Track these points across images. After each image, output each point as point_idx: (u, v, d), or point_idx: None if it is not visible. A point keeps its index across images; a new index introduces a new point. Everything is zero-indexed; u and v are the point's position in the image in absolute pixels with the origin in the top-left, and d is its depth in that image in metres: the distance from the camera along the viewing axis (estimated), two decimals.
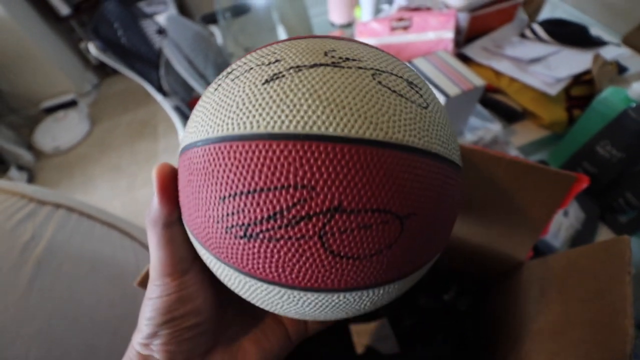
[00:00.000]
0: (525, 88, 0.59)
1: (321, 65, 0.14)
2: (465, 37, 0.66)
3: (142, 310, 0.18)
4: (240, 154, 0.13)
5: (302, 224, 0.13)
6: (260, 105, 0.14)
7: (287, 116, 0.13)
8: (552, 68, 0.58)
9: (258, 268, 0.14)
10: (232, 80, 0.15)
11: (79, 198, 1.57)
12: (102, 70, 2.31)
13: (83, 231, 0.42)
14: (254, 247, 0.14)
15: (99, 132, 2.00)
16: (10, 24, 1.73)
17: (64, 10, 1.93)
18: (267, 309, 0.17)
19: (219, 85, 0.16)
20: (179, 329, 0.18)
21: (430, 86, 0.48)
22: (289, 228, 0.13)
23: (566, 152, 0.54)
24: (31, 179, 1.81)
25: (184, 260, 0.18)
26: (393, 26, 0.62)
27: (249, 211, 0.13)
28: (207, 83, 1.07)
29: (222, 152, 0.14)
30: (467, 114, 0.51)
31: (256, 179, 0.13)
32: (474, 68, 0.64)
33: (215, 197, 0.14)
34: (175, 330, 0.18)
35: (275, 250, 0.13)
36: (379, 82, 0.14)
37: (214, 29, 1.23)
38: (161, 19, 1.03)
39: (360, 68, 0.15)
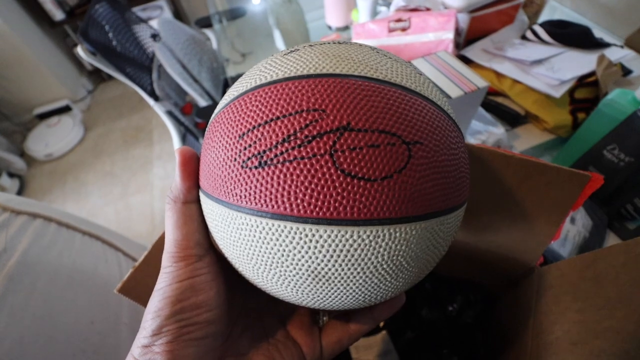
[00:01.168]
0: (528, 90, 0.57)
1: (329, 43, 0.18)
2: (465, 39, 0.65)
3: (148, 306, 0.16)
4: (261, 96, 0.15)
5: (314, 142, 0.14)
6: (280, 63, 0.16)
7: (301, 65, 0.16)
8: (555, 70, 0.56)
9: (270, 200, 0.14)
10: (253, 67, 0.18)
11: (70, 205, 1.53)
12: (97, 76, 2.29)
13: (62, 242, 0.39)
14: (267, 174, 0.14)
15: (93, 138, 1.97)
16: (2, 28, 1.71)
17: (58, 15, 1.92)
18: (276, 284, 0.16)
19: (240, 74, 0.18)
20: (188, 324, 0.16)
21: None
22: (301, 148, 0.14)
23: (571, 156, 0.52)
24: (22, 187, 1.77)
25: (200, 245, 0.18)
26: (391, 27, 0.60)
27: (265, 138, 0.14)
28: (202, 88, 1.05)
29: (244, 101, 0.16)
30: (470, 116, 0.49)
31: (273, 110, 0.15)
32: (474, 70, 0.62)
33: (235, 136, 0.15)
34: (184, 325, 0.16)
35: (288, 174, 0.14)
36: (378, 52, 0.17)
37: (209, 33, 1.21)
38: (155, 23, 1.02)
39: (361, 45, 0.18)
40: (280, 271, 0.15)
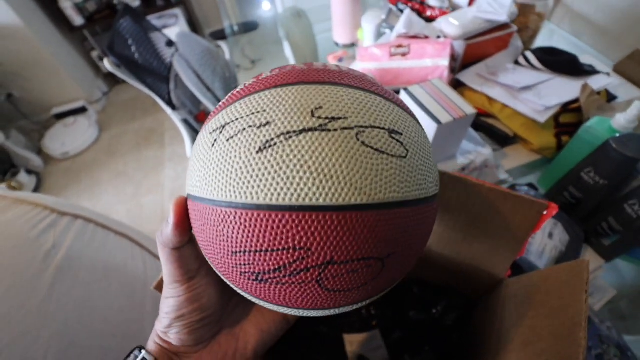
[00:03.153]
0: (516, 114, 0.62)
1: (309, 130, 0.16)
2: (461, 63, 0.70)
3: (161, 306, 0.23)
4: (245, 220, 0.16)
5: (302, 274, 0.16)
6: (257, 176, 0.16)
7: (282, 189, 0.16)
8: (542, 96, 0.61)
9: (270, 298, 0.18)
10: (227, 140, 0.17)
11: (85, 203, 1.61)
12: (112, 79, 2.38)
13: (98, 240, 0.45)
14: (264, 287, 0.17)
15: (107, 139, 2.05)
16: (25, 32, 1.79)
17: (78, 20, 2.01)
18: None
19: (215, 141, 0.18)
20: (188, 322, 0.22)
21: (421, 113, 0.51)
22: (291, 276, 0.16)
23: (554, 176, 0.57)
24: (39, 183, 1.85)
25: (191, 270, 0.22)
26: (392, 52, 0.66)
27: (257, 264, 0.16)
28: (214, 97, 1.11)
29: (229, 216, 0.16)
30: (459, 139, 0.54)
31: (261, 241, 0.16)
32: (468, 93, 0.67)
33: (228, 251, 0.17)
34: (185, 323, 0.22)
35: (282, 290, 0.17)
36: (362, 143, 0.16)
37: (222, 44, 1.28)
38: (172, 33, 1.08)
39: (345, 129, 0.16)
40: (276, 310, 0.20)
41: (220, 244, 0.17)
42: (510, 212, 0.32)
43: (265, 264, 0.16)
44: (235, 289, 0.19)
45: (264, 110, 0.17)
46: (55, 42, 2.01)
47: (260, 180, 0.16)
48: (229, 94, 0.21)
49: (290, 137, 0.16)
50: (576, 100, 0.62)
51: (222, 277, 0.20)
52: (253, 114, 0.17)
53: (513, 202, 0.31)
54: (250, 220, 0.16)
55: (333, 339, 0.46)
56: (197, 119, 1.06)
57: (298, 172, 0.16)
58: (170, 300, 0.22)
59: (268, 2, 1.37)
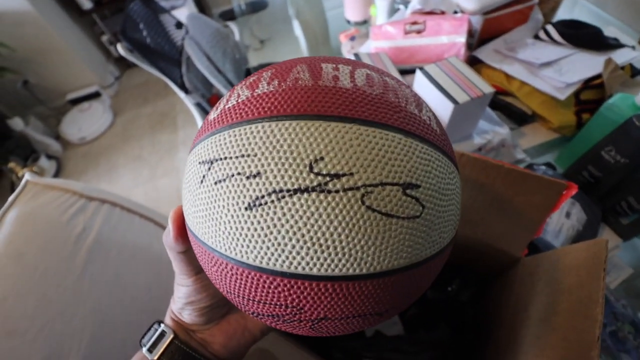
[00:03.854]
0: (535, 91, 0.60)
1: (305, 191, 0.14)
2: (478, 40, 0.68)
3: (174, 290, 0.25)
4: (237, 273, 0.15)
5: (296, 322, 0.16)
6: (246, 236, 0.14)
7: (272, 254, 0.14)
8: (563, 72, 0.59)
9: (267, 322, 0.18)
10: (215, 184, 0.15)
11: (104, 186, 1.66)
12: (123, 63, 2.38)
13: (124, 223, 0.47)
14: (261, 319, 0.18)
15: (122, 123, 2.08)
16: (36, 18, 1.80)
17: (87, 4, 2.00)
18: None
19: (204, 177, 0.16)
20: (198, 308, 0.24)
21: (438, 93, 0.50)
22: (287, 323, 0.17)
23: (573, 155, 0.56)
24: (59, 168, 1.91)
25: (197, 267, 0.23)
26: (407, 30, 0.64)
27: (251, 307, 0.17)
28: (225, 79, 1.11)
29: (221, 265, 0.16)
30: (476, 118, 0.53)
31: (253, 294, 0.16)
32: (485, 71, 0.66)
33: (224, 290, 0.18)
34: (195, 308, 0.24)
35: (277, 325, 0.18)
36: (368, 207, 0.14)
37: (232, 25, 1.26)
38: (180, 14, 1.07)
39: (349, 190, 0.14)
40: None
41: (214, 280, 0.18)
42: (529, 192, 0.32)
43: (259, 309, 0.16)
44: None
45: (255, 155, 0.15)
46: (66, 27, 2.01)
47: (250, 241, 0.14)
48: (222, 101, 0.18)
49: (283, 197, 0.14)
50: (599, 76, 0.60)
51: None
52: (243, 156, 0.15)
53: (532, 182, 0.31)
54: (242, 275, 0.15)
55: None
56: (209, 102, 1.07)
57: (290, 239, 0.14)
58: (182, 289, 0.24)
59: None
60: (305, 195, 0.14)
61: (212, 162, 0.16)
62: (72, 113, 2.08)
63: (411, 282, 0.16)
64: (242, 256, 0.15)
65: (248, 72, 1.27)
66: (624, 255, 0.54)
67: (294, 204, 0.14)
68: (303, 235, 0.14)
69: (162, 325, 0.24)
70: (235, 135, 0.15)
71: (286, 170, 0.14)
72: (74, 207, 0.42)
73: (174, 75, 0.96)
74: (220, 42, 1.12)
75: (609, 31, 0.67)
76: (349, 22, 0.98)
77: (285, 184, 0.14)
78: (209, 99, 1.08)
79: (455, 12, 0.67)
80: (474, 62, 0.68)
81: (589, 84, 0.59)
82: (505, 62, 0.63)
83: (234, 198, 0.15)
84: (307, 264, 0.14)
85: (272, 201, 0.14)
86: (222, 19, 1.21)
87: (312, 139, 0.14)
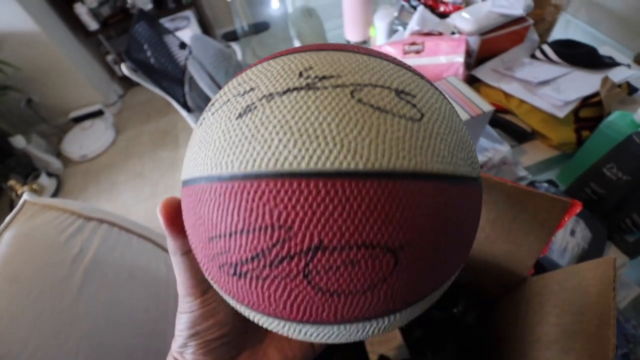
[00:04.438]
0: (534, 109, 0.61)
1: (294, 89, 0.14)
2: (476, 59, 0.69)
3: (176, 323, 0.21)
4: (220, 195, 0.13)
5: (284, 263, 0.13)
6: (233, 143, 0.14)
7: (258, 154, 0.13)
8: (560, 90, 0.60)
9: (255, 302, 0.14)
10: (212, 114, 0.15)
11: (104, 204, 1.64)
12: (127, 82, 2.42)
13: (122, 244, 0.47)
14: (245, 284, 0.14)
15: (123, 141, 2.09)
16: (43, 38, 1.84)
17: (93, 25, 2.05)
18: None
19: (203, 119, 0.16)
20: (204, 341, 0.20)
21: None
22: (272, 267, 0.13)
23: (575, 172, 0.56)
24: (60, 186, 1.91)
25: (204, 281, 0.20)
26: (406, 50, 0.65)
27: (234, 252, 0.13)
28: None
29: (205, 193, 0.14)
30: (477, 136, 0.54)
31: (235, 220, 0.13)
32: (484, 89, 0.66)
33: (205, 238, 0.14)
34: (201, 342, 0.20)
35: (265, 288, 0.13)
36: (359, 100, 0.13)
37: (235, 45, 1.29)
38: (184, 35, 1.10)
39: (337, 86, 0.14)
40: (279, 332, 0.16)
41: (198, 230, 0.15)
42: (532, 210, 0.32)
43: (242, 250, 0.13)
44: (220, 292, 0.17)
45: (251, 79, 0.15)
46: (72, 47, 2.06)
47: (237, 147, 0.13)
48: None
49: (272, 98, 0.14)
50: (596, 94, 0.60)
51: (209, 280, 0.17)
52: (240, 84, 0.15)
53: (535, 200, 0.31)
54: (224, 194, 0.13)
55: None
56: None
57: (277, 133, 0.13)
58: (184, 317, 0.20)
59: (277, 0, 1.37)
60: (295, 93, 0.14)
61: (213, 103, 0.16)
62: (74, 131, 2.10)
63: (423, 202, 0.13)
64: (227, 168, 0.14)
65: None
66: (632, 274, 0.53)
67: (282, 102, 0.14)
68: (290, 128, 0.13)
69: None
70: (236, 78, 0.16)
71: (277, 80, 0.14)
72: (72, 227, 0.42)
73: (177, 94, 0.97)
74: (223, 62, 1.15)
75: (604, 50, 0.69)
76: (348, 42, 1.00)
77: (276, 88, 0.14)
78: None
79: (453, 33, 0.68)
80: (472, 81, 0.69)
81: (587, 101, 0.60)
82: (503, 81, 0.64)
83: (227, 114, 0.15)
84: (295, 157, 0.13)
85: (262, 104, 0.14)
86: (225, 40, 1.24)
87: (303, 59, 0.15)
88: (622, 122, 0.51)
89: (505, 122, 0.64)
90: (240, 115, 0.14)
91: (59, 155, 2.05)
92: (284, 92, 0.14)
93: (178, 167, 1.85)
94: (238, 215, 0.13)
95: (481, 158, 0.55)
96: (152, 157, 1.94)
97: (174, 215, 0.18)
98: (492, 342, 0.39)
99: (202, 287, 0.20)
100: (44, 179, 1.84)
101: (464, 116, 0.48)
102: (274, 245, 0.13)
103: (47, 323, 0.38)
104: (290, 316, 0.14)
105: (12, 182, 1.66)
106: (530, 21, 0.69)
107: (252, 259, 0.13)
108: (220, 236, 0.14)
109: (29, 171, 1.86)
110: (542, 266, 0.49)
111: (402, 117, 0.14)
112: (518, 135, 0.62)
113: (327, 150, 0.12)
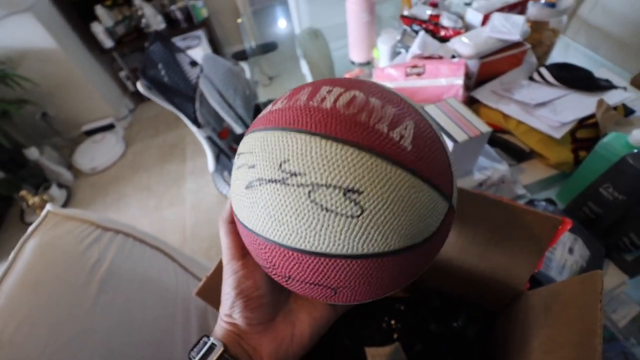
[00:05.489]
0: (531, 130, 0.63)
1: (273, 182, 0.19)
2: (475, 81, 0.72)
3: (222, 290, 0.26)
4: (244, 234, 0.23)
5: (277, 277, 0.22)
6: (245, 207, 0.21)
7: (257, 221, 0.21)
8: (557, 112, 0.62)
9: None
10: (237, 169, 0.22)
11: (111, 215, 1.67)
12: (138, 97, 2.50)
13: (136, 254, 0.49)
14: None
15: (132, 154, 2.14)
16: (60, 55, 1.92)
17: (108, 43, 2.14)
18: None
19: (234, 164, 0.23)
20: (247, 299, 0.25)
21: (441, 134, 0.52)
22: (274, 275, 0.23)
23: (573, 191, 0.57)
24: (69, 197, 1.95)
25: (243, 247, 0.25)
26: (408, 72, 0.68)
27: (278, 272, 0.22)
28: (236, 114, 1.16)
29: (242, 230, 0.23)
30: (476, 155, 0.56)
31: (251, 248, 0.23)
32: (483, 110, 0.69)
33: (260, 260, 0.23)
34: (245, 300, 0.25)
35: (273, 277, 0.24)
36: (312, 200, 0.18)
37: (243, 64, 1.34)
38: (196, 53, 1.15)
39: (300, 185, 0.19)
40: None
41: (255, 254, 0.23)
42: (527, 226, 0.33)
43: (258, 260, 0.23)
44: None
45: (254, 152, 0.21)
46: (88, 63, 2.14)
47: (247, 211, 0.21)
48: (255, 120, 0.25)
49: (262, 183, 0.20)
50: (593, 116, 0.62)
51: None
52: (250, 152, 0.21)
53: (529, 217, 0.33)
54: (246, 235, 0.22)
55: (355, 352, 0.47)
56: (220, 136, 1.11)
57: (263, 212, 0.20)
58: (230, 280, 0.25)
59: (284, 20, 1.43)
60: (273, 184, 0.19)
61: (239, 155, 0.23)
62: (86, 144, 2.15)
63: (348, 270, 0.20)
64: (246, 221, 0.21)
65: (257, 107, 1.34)
66: (632, 292, 0.53)
67: (267, 189, 0.19)
68: (269, 212, 0.19)
69: (212, 338, 0.25)
70: (252, 137, 0.22)
71: (267, 166, 0.20)
72: (90, 237, 0.44)
73: (188, 111, 1.01)
74: (232, 80, 1.19)
75: (601, 72, 0.71)
76: (353, 62, 1.04)
77: (265, 175, 0.20)
78: (219, 132, 1.12)
79: (453, 57, 0.71)
80: (472, 102, 0.72)
81: (583, 123, 0.62)
82: (501, 102, 0.67)
83: (241, 180, 0.21)
84: (273, 232, 0.20)
85: (258, 185, 0.20)
86: (234, 59, 1.29)
87: (286, 145, 0.20)
88: (617, 143, 0.52)
89: (504, 141, 0.66)
90: (247, 187, 0.21)
91: (70, 167, 2.11)
92: (268, 181, 0.20)
93: (184, 180, 1.89)
94: (251, 247, 0.23)
95: (480, 176, 0.57)
96: (159, 171, 1.98)
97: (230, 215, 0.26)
98: (492, 354, 0.40)
99: (242, 251, 0.26)
100: (54, 190, 1.88)
101: (463, 137, 0.50)
102: (268, 268, 0.22)
103: (65, 329, 0.40)
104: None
105: (23, 193, 1.70)
106: (528, 45, 0.72)
107: (263, 260, 0.22)
108: (269, 267, 0.22)
109: (40, 182, 1.90)
110: (540, 283, 0.50)
111: (343, 215, 0.18)
112: (517, 154, 0.64)
113: (288, 233, 0.19)
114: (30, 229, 0.44)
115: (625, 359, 0.45)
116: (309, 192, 0.18)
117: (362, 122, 0.20)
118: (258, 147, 0.21)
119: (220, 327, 0.26)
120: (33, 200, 1.69)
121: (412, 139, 0.20)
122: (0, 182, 1.75)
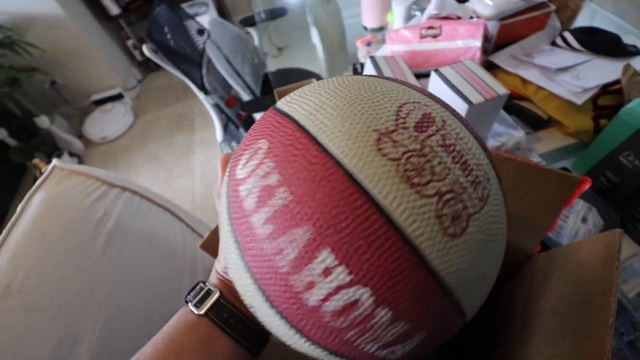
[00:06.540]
0: (551, 96, 0.60)
1: None
2: (494, 45, 0.68)
3: (219, 249, 0.26)
4: None
5: None
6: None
7: None
8: (580, 77, 0.59)
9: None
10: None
11: None
12: (146, 67, 2.47)
13: (143, 212, 0.49)
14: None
15: (142, 124, 2.14)
16: (67, 22, 1.89)
17: (115, 10, 2.09)
18: None
19: None
20: None
21: (452, 94, 0.50)
22: None
23: (590, 160, 0.55)
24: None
25: None
26: (423, 34, 0.65)
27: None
28: (244, 82, 1.14)
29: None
30: (491, 120, 0.53)
31: None
32: (501, 75, 0.66)
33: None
34: None
35: None
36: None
37: (252, 30, 1.30)
38: (204, 20, 1.11)
39: None
40: None
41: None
42: (542, 186, 0.32)
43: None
44: None
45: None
46: (94, 31, 2.10)
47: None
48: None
49: None
50: (617, 82, 0.59)
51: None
52: None
53: (545, 176, 0.31)
54: None
55: None
56: (227, 103, 1.10)
57: None
58: None
59: None
60: None
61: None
62: (95, 113, 2.16)
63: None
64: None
65: (266, 77, 1.30)
66: None
67: None
68: None
69: (208, 284, 0.25)
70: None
71: None
72: (97, 192, 0.44)
73: (195, 77, 0.99)
74: (240, 46, 1.16)
75: (628, 39, 0.67)
76: (365, 28, 1.00)
77: None
78: (227, 100, 1.10)
79: (471, 18, 0.68)
80: (489, 66, 0.68)
81: (607, 89, 0.58)
82: (521, 67, 0.63)
83: None
84: None
85: None
86: (242, 25, 1.25)
87: None
88: None
89: (520, 108, 0.63)
90: None
91: (80, 136, 2.12)
92: None
93: (193, 152, 1.89)
94: None
95: (494, 143, 0.55)
96: (169, 141, 1.98)
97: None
98: (497, 318, 0.40)
99: None
100: (66, 159, 1.91)
101: (478, 99, 0.48)
102: None
103: (72, 281, 0.41)
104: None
105: (36, 160, 1.73)
106: (552, 7, 0.67)
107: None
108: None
109: (52, 151, 1.93)
110: (550, 249, 0.49)
111: None
112: (533, 122, 0.62)
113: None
114: (37, 183, 0.44)
115: (632, 327, 0.45)
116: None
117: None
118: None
119: (215, 277, 0.26)
120: (45, 167, 1.72)
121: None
122: (13, 150, 1.78)
